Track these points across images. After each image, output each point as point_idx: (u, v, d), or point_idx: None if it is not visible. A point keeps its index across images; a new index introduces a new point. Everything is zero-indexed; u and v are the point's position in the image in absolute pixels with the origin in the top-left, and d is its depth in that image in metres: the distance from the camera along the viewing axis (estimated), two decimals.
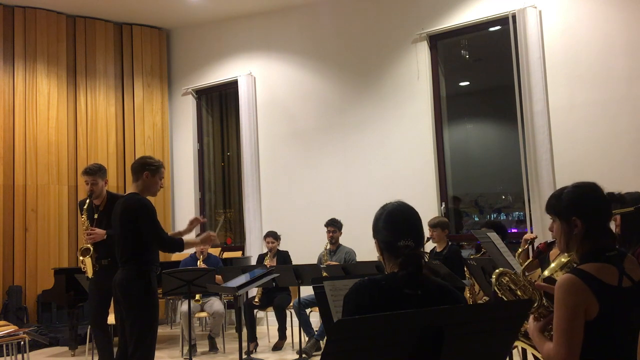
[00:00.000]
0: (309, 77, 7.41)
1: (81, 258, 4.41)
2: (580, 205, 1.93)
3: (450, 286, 1.78)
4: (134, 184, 3.64)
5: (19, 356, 4.70)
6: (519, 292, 2.25)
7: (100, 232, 4.34)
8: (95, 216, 4.45)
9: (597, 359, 1.85)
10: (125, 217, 3.51)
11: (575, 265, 1.99)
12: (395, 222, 1.78)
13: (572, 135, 5.67)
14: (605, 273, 1.85)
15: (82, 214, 4.46)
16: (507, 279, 2.28)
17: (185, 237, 3.76)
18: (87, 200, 4.45)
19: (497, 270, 2.31)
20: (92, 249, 4.35)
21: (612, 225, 2.41)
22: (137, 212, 3.48)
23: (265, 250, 6.25)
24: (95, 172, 4.43)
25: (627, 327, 1.86)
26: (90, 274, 4.37)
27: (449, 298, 1.68)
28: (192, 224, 3.98)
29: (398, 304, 1.63)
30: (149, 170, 3.61)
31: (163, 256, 6.93)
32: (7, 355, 4.48)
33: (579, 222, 1.91)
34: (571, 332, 1.79)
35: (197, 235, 3.99)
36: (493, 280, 2.30)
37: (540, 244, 2.35)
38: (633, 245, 2.94)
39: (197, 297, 5.83)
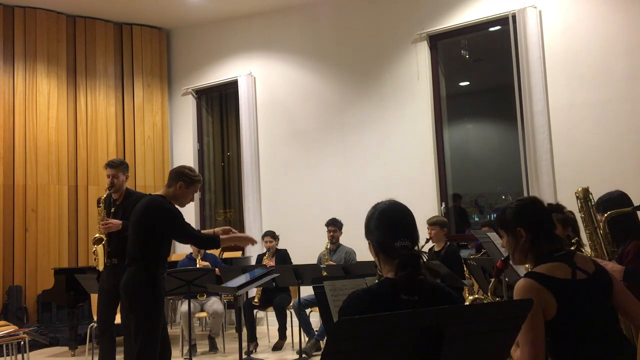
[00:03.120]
0: (309, 77, 7.41)
1: (94, 247, 4.42)
2: (522, 216, 2.04)
3: (448, 288, 1.76)
4: (166, 188, 3.59)
5: (19, 356, 4.70)
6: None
7: (116, 222, 4.31)
8: (112, 210, 4.44)
9: (565, 357, 1.89)
10: (143, 218, 3.46)
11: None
12: (389, 222, 1.74)
13: (572, 135, 5.66)
14: (557, 270, 1.92)
15: (99, 206, 4.48)
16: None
17: (222, 236, 3.64)
18: (106, 193, 4.50)
19: (470, 297, 2.38)
20: (105, 238, 4.36)
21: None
22: (158, 217, 3.43)
23: (264, 250, 6.25)
24: (117, 165, 4.50)
25: (589, 319, 1.90)
26: (101, 265, 4.37)
27: (447, 301, 1.65)
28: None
29: (394, 311, 1.61)
30: (184, 182, 3.54)
31: None
32: (7, 355, 4.48)
33: (523, 232, 2.01)
34: (532, 332, 1.84)
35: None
36: None
37: (498, 262, 2.34)
38: (621, 243, 2.99)
39: (201, 297, 5.80)
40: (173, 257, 7.56)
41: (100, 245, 4.37)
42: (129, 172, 4.59)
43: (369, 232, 1.78)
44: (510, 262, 2.19)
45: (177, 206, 3.56)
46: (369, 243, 1.80)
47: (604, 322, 1.92)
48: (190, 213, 8.06)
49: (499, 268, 2.31)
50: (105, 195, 4.51)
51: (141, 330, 3.39)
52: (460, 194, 6.83)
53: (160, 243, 3.50)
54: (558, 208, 2.32)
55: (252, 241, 3.77)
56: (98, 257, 4.38)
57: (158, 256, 3.49)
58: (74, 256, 7.49)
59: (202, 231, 3.84)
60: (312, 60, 7.39)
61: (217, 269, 5.47)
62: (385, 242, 1.72)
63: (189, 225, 3.53)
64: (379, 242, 1.74)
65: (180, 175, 3.55)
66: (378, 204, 1.80)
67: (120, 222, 4.30)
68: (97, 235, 4.44)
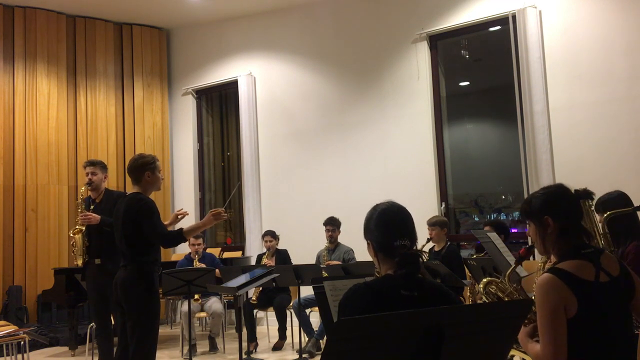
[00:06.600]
0: (309, 77, 7.41)
1: (71, 234, 4.55)
2: (549, 204, 2.00)
3: (446, 287, 1.79)
4: (135, 185, 3.62)
5: (19, 356, 4.70)
6: (507, 300, 2.27)
7: (95, 216, 4.40)
8: (92, 207, 4.51)
9: (581, 358, 1.87)
10: (127, 217, 3.50)
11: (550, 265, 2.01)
12: (389, 222, 1.78)
13: (572, 135, 5.66)
14: (581, 269, 1.88)
15: (77, 200, 4.61)
16: (494, 287, 2.31)
17: (185, 227, 3.67)
18: (84, 190, 4.64)
19: (484, 280, 2.35)
20: (83, 229, 4.48)
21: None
22: (138, 212, 3.48)
23: (264, 250, 6.25)
24: (96, 163, 4.66)
25: (608, 323, 1.87)
26: (79, 258, 4.48)
27: (445, 299, 1.68)
28: (176, 217, 3.99)
29: (395, 306, 1.62)
30: (149, 170, 3.61)
31: (162, 256, 6.93)
32: (7, 355, 4.48)
33: (550, 220, 1.97)
34: (554, 330, 1.82)
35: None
36: (481, 289, 2.33)
37: (521, 249, 2.33)
38: (621, 244, 2.99)
39: (196, 296, 5.83)
40: (173, 257, 7.57)
41: (79, 235, 4.48)
42: (107, 172, 4.70)
43: (369, 232, 1.82)
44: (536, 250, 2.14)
45: (156, 191, 3.69)
46: (368, 243, 1.83)
47: (620, 327, 1.90)
48: (190, 213, 8.04)
49: (521, 255, 2.28)
50: (83, 195, 4.63)
51: (138, 329, 3.40)
52: (457, 195, 6.79)
53: (150, 240, 3.53)
54: (586, 194, 2.22)
55: (219, 215, 3.72)
56: (77, 246, 4.49)
57: (150, 254, 3.52)
58: (74, 256, 7.48)
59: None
60: (312, 60, 7.39)
61: (217, 270, 5.47)
62: (384, 241, 1.76)
63: (160, 223, 3.55)
64: (379, 242, 1.78)
65: (143, 167, 3.60)
66: (378, 205, 1.84)
67: (99, 217, 4.39)
68: (77, 227, 4.54)
